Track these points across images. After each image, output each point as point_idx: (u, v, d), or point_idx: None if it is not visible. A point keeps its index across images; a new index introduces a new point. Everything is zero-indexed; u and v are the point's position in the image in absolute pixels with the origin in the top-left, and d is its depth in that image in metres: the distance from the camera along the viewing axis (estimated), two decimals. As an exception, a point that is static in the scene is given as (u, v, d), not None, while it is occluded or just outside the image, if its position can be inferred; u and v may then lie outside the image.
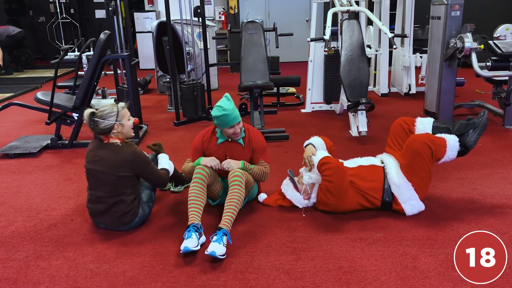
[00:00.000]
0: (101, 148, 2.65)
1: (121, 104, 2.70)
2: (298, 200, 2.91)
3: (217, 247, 2.35)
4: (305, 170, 2.98)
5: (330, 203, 2.78)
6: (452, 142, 2.75)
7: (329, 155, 2.87)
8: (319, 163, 2.77)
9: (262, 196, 3.04)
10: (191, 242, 2.40)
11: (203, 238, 2.52)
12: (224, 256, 2.39)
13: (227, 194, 2.68)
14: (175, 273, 2.29)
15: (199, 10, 5.05)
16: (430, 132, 2.88)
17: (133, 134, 2.80)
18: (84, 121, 2.65)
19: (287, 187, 2.97)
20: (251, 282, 2.20)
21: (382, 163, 2.92)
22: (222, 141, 2.87)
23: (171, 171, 3.02)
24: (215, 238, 2.40)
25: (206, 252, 2.35)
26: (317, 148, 2.97)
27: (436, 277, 2.19)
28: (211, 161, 2.78)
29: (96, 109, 2.64)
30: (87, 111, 2.61)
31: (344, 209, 2.82)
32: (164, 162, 2.99)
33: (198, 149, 2.91)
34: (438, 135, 2.81)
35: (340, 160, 2.88)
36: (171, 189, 3.29)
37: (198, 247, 2.43)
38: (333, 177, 2.70)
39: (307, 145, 3.01)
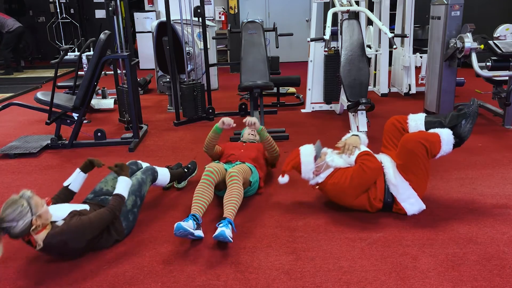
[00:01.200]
0: (40, 251, 2.31)
1: (27, 193, 2.25)
2: (308, 170, 2.89)
3: (225, 229, 2.40)
4: (332, 152, 2.97)
5: (344, 191, 2.75)
6: (445, 136, 2.75)
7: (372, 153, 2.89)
8: (365, 152, 2.81)
9: (282, 180, 2.96)
10: (186, 224, 2.44)
11: (200, 232, 2.53)
12: (232, 240, 2.42)
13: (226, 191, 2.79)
14: (175, 273, 2.29)
15: (199, 10, 5.05)
16: (423, 128, 2.88)
17: (52, 216, 2.35)
18: None
19: (307, 152, 2.93)
20: (251, 282, 2.20)
21: (381, 163, 2.91)
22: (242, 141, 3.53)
23: (165, 182, 3.05)
24: (221, 224, 2.46)
25: (214, 236, 2.39)
26: (362, 142, 2.99)
27: (436, 277, 2.19)
28: (227, 119, 3.21)
29: None
30: None
31: (348, 203, 2.81)
32: (120, 186, 2.59)
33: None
34: (432, 130, 2.81)
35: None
36: (175, 186, 3.32)
37: (192, 231, 2.44)
38: (370, 170, 2.71)
39: (353, 135, 3.02)
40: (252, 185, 3.07)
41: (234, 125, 3.24)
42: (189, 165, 3.40)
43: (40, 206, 2.25)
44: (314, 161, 2.90)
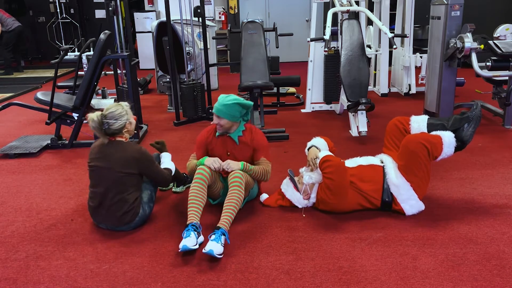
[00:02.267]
0: (107, 145, 2.67)
1: (125, 102, 2.74)
2: (298, 200, 2.92)
3: (215, 246, 2.36)
4: (305, 170, 2.99)
5: (330, 202, 2.78)
6: (447, 139, 2.75)
7: (331, 154, 2.87)
8: (321, 161, 2.78)
9: (263, 197, 3.04)
10: (189, 241, 2.40)
11: (201, 238, 2.52)
12: (221, 256, 2.39)
13: (227, 193, 2.70)
14: (175, 273, 2.29)
15: (199, 10, 5.05)
16: (425, 130, 2.88)
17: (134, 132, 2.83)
18: (91, 125, 2.59)
19: (287, 187, 2.98)
20: (251, 282, 2.20)
21: (382, 162, 2.92)
22: (219, 134, 2.93)
23: (173, 171, 3.03)
24: (213, 237, 2.42)
25: (203, 251, 2.36)
26: (320, 148, 2.98)
27: (436, 277, 2.19)
28: (214, 162, 2.77)
29: (101, 111, 2.64)
30: (96, 114, 2.60)
31: (344, 209, 2.82)
32: (167, 161, 3.02)
33: (202, 144, 2.98)
34: (434, 132, 2.81)
35: (341, 160, 2.88)
36: (173, 190, 3.29)
37: (197, 246, 2.44)
38: (334, 175, 2.71)
39: (310, 148, 3.01)
40: (250, 193, 3.01)
41: (220, 170, 2.80)
42: (189, 176, 3.39)
43: (131, 116, 2.73)
44: (297, 190, 2.92)
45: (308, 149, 3.02)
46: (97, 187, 2.68)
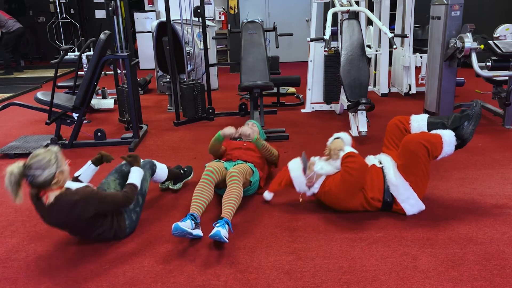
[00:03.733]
0: (46, 210, 2.35)
1: (55, 148, 2.40)
2: (300, 183, 2.90)
3: (221, 229, 2.40)
4: (319, 159, 2.97)
5: (337, 197, 2.76)
6: (447, 138, 2.74)
7: (357, 152, 2.87)
8: (347, 155, 2.78)
9: (267, 196, 3.03)
10: (184, 224, 2.45)
11: (198, 231, 2.53)
12: (227, 241, 2.43)
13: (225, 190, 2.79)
14: (175, 273, 2.29)
15: (199, 10, 5.05)
16: (425, 129, 2.87)
17: (70, 178, 2.53)
18: (8, 180, 2.21)
19: (295, 166, 2.95)
20: (251, 282, 2.20)
21: (380, 163, 2.92)
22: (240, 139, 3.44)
23: (162, 178, 3.05)
24: (218, 224, 2.47)
25: (210, 236, 2.39)
26: (346, 143, 2.97)
27: (436, 277, 2.19)
28: (229, 129, 3.16)
29: (24, 162, 2.28)
30: (16, 166, 2.24)
31: (346, 207, 2.82)
32: (133, 176, 2.69)
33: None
34: (434, 131, 2.80)
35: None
36: (170, 187, 3.30)
37: (190, 231, 2.44)
38: (355, 171, 2.70)
39: (336, 138, 3.00)
40: (252, 185, 3.07)
41: (237, 135, 3.21)
42: (185, 168, 3.39)
43: (64, 163, 2.38)
44: (304, 174, 2.91)
45: (333, 139, 3.01)
46: (70, 234, 2.58)
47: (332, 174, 2.84)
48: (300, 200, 2.86)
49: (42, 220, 2.46)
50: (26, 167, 2.25)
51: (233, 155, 3.22)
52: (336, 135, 3.04)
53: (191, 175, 3.41)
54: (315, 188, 2.88)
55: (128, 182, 2.65)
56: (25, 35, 9.58)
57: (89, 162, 2.82)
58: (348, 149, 2.86)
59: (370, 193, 2.78)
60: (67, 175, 2.40)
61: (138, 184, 2.66)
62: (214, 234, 2.39)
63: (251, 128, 3.21)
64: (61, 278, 2.28)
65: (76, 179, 2.73)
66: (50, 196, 2.32)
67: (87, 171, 2.79)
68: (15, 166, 2.23)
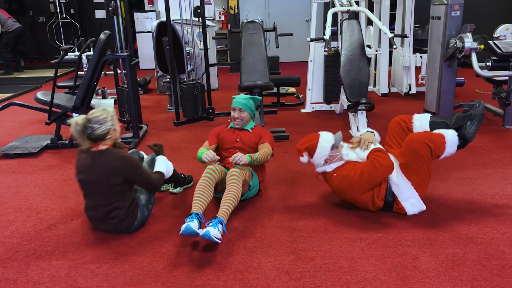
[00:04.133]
0: (90, 157, 2.56)
1: (111, 109, 2.65)
2: (322, 155, 2.87)
3: (211, 229, 2.40)
4: (347, 146, 2.97)
5: (352, 184, 2.74)
6: (450, 137, 2.75)
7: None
8: (377, 149, 2.80)
9: (304, 160, 2.95)
10: (192, 224, 2.45)
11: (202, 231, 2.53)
12: (219, 241, 2.43)
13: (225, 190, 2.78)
14: (175, 273, 2.29)
15: (199, 10, 5.05)
16: (428, 128, 2.88)
17: (120, 139, 2.75)
18: (75, 128, 2.49)
19: (327, 138, 2.91)
20: (251, 282, 2.20)
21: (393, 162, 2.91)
22: (231, 126, 3.23)
23: (168, 174, 3.03)
24: (210, 224, 2.47)
25: (200, 233, 2.39)
26: (376, 140, 3.00)
27: (436, 277, 2.19)
28: (207, 155, 2.88)
29: (85, 116, 2.54)
30: (81, 118, 2.50)
31: (352, 198, 2.82)
32: (161, 164, 2.92)
33: (215, 133, 3.23)
34: (436, 131, 2.81)
35: None
36: (170, 190, 3.29)
37: (197, 232, 2.44)
38: (381, 167, 2.70)
39: (367, 131, 3.01)
40: (252, 189, 3.05)
41: (217, 158, 2.94)
42: (187, 176, 3.39)
43: (116, 122, 2.64)
44: (330, 149, 2.89)
45: (365, 131, 3.02)
46: (90, 199, 2.65)
47: (352, 162, 2.84)
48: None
49: (78, 173, 2.62)
50: (87, 120, 2.51)
51: (227, 161, 3.06)
52: (369, 129, 3.07)
53: (191, 183, 3.40)
54: (330, 168, 2.87)
55: (156, 169, 2.86)
56: (24, 35, 9.57)
57: (157, 158, 2.99)
58: (379, 145, 2.89)
59: (377, 192, 2.79)
60: (118, 134, 2.67)
61: (165, 172, 2.90)
62: (203, 234, 2.39)
63: (240, 155, 2.87)
64: (61, 278, 2.28)
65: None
66: (102, 147, 2.57)
67: (160, 162, 2.96)
68: (79, 118, 2.50)
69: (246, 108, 3.14)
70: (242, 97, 3.18)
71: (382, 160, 2.73)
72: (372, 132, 3.01)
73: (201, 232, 2.41)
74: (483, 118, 2.83)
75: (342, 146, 2.93)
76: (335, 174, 2.84)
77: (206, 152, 2.92)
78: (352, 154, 2.88)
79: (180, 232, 2.43)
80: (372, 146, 2.86)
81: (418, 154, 2.69)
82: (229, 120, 3.28)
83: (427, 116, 2.94)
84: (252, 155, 2.93)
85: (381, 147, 2.88)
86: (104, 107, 2.65)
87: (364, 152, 2.85)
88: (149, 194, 2.81)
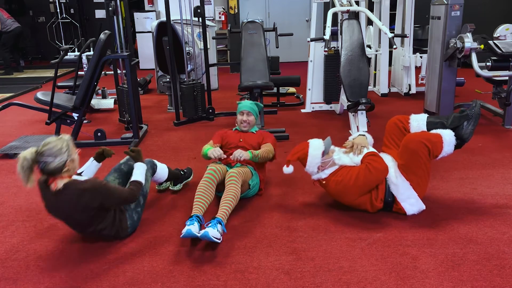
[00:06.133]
0: (53, 196, 2.37)
1: (67, 136, 2.43)
2: (314, 163, 2.87)
3: (210, 230, 2.41)
4: (339, 150, 2.97)
5: (348, 189, 2.75)
6: (448, 137, 2.75)
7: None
8: (371, 153, 2.80)
9: (287, 170, 2.94)
10: (193, 227, 2.45)
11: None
12: (219, 241, 2.44)
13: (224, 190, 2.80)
14: (175, 273, 2.29)
15: (199, 10, 5.05)
16: (425, 128, 2.88)
17: (78, 168, 2.55)
18: (22, 164, 2.25)
19: (317, 145, 2.91)
20: (251, 282, 2.20)
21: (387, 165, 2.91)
22: (236, 129, 3.35)
23: (163, 178, 3.04)
24: (210, 224, 2.48)
25: (198, 234, 2.40)
26: (369, 143, 3.00)
27: (436, 277, 2.19)
28: (214, 151, 2.96)
29: (36, 148, 2.33)
30: (29, 152, 2.28)
31: (350, 201, 2.81)
32: (138, 173, 2.70)
33: (220, 134, 3.31)
34: (433, 131, 2.81)
35: None
36: (170, 187, 3.30)
37: (198, 235, 2.45)
38: (376, 171, 2.70)
39: (359, 135, 3.02)
40: (252, 188, 3.06)
41: (224, 156, 2.98)
42: (185, 170, 3.39)
43: (74, 152, 2.41)
44: (321, 156, 2.89)
45: (357, 135, 3.02)
46: (72, 228, 2.57)
47: (346, 166, 2.84)
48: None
49: (46, 209, 2.46)
50: (38, 153, 2.29)
51: (230, 160, 3.10)
52: (361, 132, 3.06)
53: (191, 177, 3.41)
54: (325, 174, 2.87)
55: (132, 179, 2.65)
56: (23, 35, 9.58)
57: (91, 158, 2.83)
58: (372, 149, 2.89)
59: (375, 194, 2.79)
60: (77, 164, 2.44)
61: (143, 181, 2.68)
62: (202, 234, 2.39)
63: (240, 151, 2.93)
64: (61, 278, 2.28)
65: (79, 176, 2.71)
66: (59, 183, 2.35)
67: (90, 167, 2.80)
68: (28, 152, 2.27)
69: (253, 112, 3.29)
70: (248, 102, 3.33)
71: (376, 164, 2.73)
72: (364, 135, 3.00)
73: (200, 233, 2.41)
74: (479, 118, 2.84)
75: (333, 151, 2.93)
76: (324, 182, 2.86)
77: (214, 149, 2.99)
78: (345, 158, 2.87)
79: (181, 235, 2.44)
80: (365, 150, 2.86)
81: (416, 154, 2.70)
82: (236, 124, 3.39)
83: (424, 117, 2.95)
84: (253, 151, 3.02)
85: (374, 150, 2.89)
86: (60, 136, 2.42)
87: (358, 157, 2.85)
88: (138, 197, 2.69)
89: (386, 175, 2.78)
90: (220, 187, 2.94)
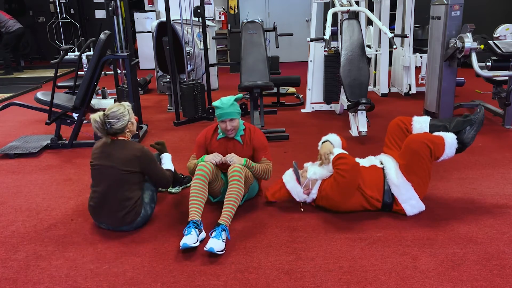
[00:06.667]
0: (109, 145, 2.69)
1: (127, 103, 2.79)
2: (298, 193, 2.91)
3: (215, 243, 2.39)
4: (311, 165, 2.97)
5: (334, 199, 2.77)
6: (450, 140, 2.76)
7: (346, 152, 2.86)
8: (337, 157, 2.77)
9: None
10: (190, 238, 2.43)
11: (203, 234, 2.55)
12: (223, 252, 2.42)
13: (227, 188, 2.72)
14: (175, 273, 2.29)
15: (199, 10, 5.05)
16: (427, 130, 2.88)
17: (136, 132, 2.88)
18: (94, 125, 2.63)
19: (289, 178, 2.96)
20: (251, 282, 2.20)
21: (381, 164, 2.92)
22: (221, 137, 2.95)
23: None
24: (214, 234, 2.45)
25: (205, 248, 2.38)
26: (335, 145, 2.96)
27: (436, 277, 2.19)
28: (214, 157, 2.83)
29: (103, 111, 2.67)
30: (98, 114, 2.63)
31: (345, 208, 2.82)
32: (168, 162, 3.05)
33: (201, 145, 2.99)
34: (436, 133, 2.82)
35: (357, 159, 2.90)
36: (169, 190, 3.29)
37: (198, 244, 2.46)
38: (348, 173, 2.70)
39: (324, 142, 2.98)
40: (250, 190, 3.01)
41: (223, 160, 2.85)
42: (186, 176, 3.40)
43: (133, 116, 2.77)
44: (298, 183, 2.91)
45: (321, 143, 2.99)
46: (99, 186, 2.68)
47: (327, 178, 2.84)
48: (302, 209, 2.87)
49: (93, 159, 2.71)
50: (106, 116, 2.64)
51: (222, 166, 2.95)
52: (324, 138, 3.01)
53: (190, 184, 3.39)
54: (314, 194, 2.89)
55: (165, 167, 2.95)
56: (25, 36, 9.58)
57: (162, 156, 3.11)
58: (337, 151, 2.85)
59: (369, 191, 2.78)
60: (135, 127, 2.80)
61: (172, 168, 3.01)
62: (208, 249, 2.37)
63: (232, 156, 2.83)
64: (61, 278, 2.28)
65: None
66: (120, 138, 2.71)
67: (165, 160, 3.08)
68: (97, 115, 2.62)
69: (235, 116, 2.84)
70: (227, 105, 2.81)
71: (344, 166, 2.71)
72: (327, 141, 2.96)
73: (206, 247, 2.38)
74: (483, 123, 2.85)
75: (305, 171, 2.93)
76: (302, 210, 2.89)
77: (210, 155, 2.82)
78: (321, 170, 2.86)
79: (180, 247, 2.43)
80: (331, 157, 2.82)
81: (418, 154, 2.70)
82: (217, 128, 3.00)
83: (427, 119, 2.95)
84: (248, 160, 2.84)
85: (341, 151, 2.84)
86: (120, 103, 2.75)
87: (330, 165, 2.83)
88: (152, 193, 2.82)
89: (359, 168, 2.77)
90: (215, 190, 2.90)
